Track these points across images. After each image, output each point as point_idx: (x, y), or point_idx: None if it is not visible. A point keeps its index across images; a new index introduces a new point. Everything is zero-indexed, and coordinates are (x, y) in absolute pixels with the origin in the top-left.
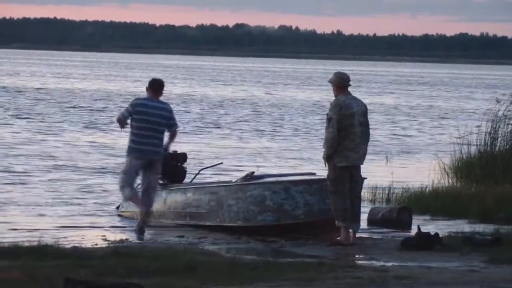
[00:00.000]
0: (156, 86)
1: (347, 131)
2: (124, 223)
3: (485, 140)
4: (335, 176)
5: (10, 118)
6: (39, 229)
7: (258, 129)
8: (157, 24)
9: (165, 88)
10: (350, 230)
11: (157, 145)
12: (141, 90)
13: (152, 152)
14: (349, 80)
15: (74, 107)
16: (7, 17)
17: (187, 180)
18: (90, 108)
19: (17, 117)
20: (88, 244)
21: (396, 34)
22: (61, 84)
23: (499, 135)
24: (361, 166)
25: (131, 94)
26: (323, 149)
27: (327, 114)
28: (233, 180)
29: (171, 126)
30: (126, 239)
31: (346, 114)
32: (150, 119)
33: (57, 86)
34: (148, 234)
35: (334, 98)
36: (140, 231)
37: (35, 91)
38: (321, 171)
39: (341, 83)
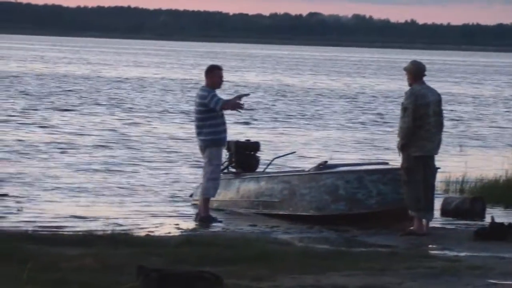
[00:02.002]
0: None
1: (422, 121)
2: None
3: None
4: (409, 165)
5: (99, 107)
6: (112, 217)
7: (333, 118)
8: (231, 13)
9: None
10: (423, 220)
11: (197, 133)
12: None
13: (198, 140)
14: (425, 70)
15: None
16: (81, 5)
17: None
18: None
19: (108, 106)
20: (161, 232)
21: (470, 23)
22: (147, 73)
23: None
24: (435, 156)
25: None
26: (398, 139)
27: (402, 104)
28: (306, 169)
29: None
30: (199, 228)
31: (422, 104)
32: (195, 109)
33: (143, 75)
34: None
35: (408, 87)
36: (201, 220)
37: (125, 81)
38: (395, 161)
39: (417, 72)
